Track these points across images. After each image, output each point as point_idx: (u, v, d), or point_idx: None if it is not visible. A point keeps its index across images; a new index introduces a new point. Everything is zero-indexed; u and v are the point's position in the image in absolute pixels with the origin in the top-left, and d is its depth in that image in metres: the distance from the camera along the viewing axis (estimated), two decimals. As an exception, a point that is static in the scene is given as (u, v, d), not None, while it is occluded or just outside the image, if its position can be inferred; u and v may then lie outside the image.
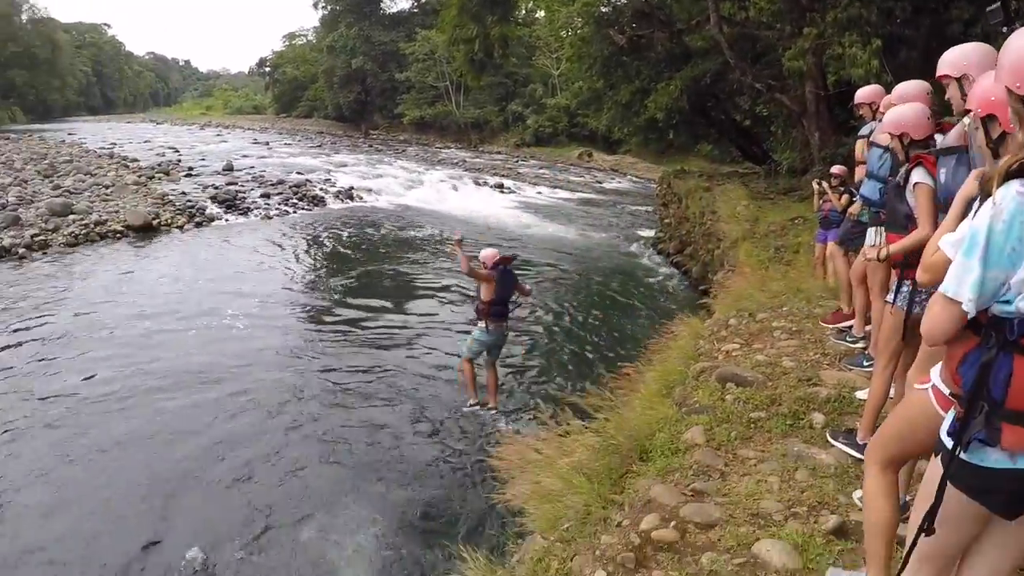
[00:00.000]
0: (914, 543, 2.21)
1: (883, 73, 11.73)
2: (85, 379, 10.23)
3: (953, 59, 3.46)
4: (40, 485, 7.46)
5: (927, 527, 2.11)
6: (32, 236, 18.55)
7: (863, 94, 6.65)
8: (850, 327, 6.48)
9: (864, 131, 6.53)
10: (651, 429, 4.88)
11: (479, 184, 34.50)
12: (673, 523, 3.64)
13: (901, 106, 4.37)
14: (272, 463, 7.89)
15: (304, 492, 7.31)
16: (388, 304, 14.56)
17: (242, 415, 9.13)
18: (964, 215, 2.31)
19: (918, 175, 3.89)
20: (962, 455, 2.01)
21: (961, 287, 1.88)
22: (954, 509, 2.09)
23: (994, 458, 1.98)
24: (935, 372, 2.30)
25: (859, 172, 6.56)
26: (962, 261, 1.89)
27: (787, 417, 4.76)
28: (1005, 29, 2.20)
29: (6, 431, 8.68)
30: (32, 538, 6.57)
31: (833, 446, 4.33)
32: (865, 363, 5.60)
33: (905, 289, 3.79)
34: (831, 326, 6.84)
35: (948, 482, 2.06)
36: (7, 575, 6.11)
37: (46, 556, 6.34)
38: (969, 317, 1.91)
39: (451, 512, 6.91)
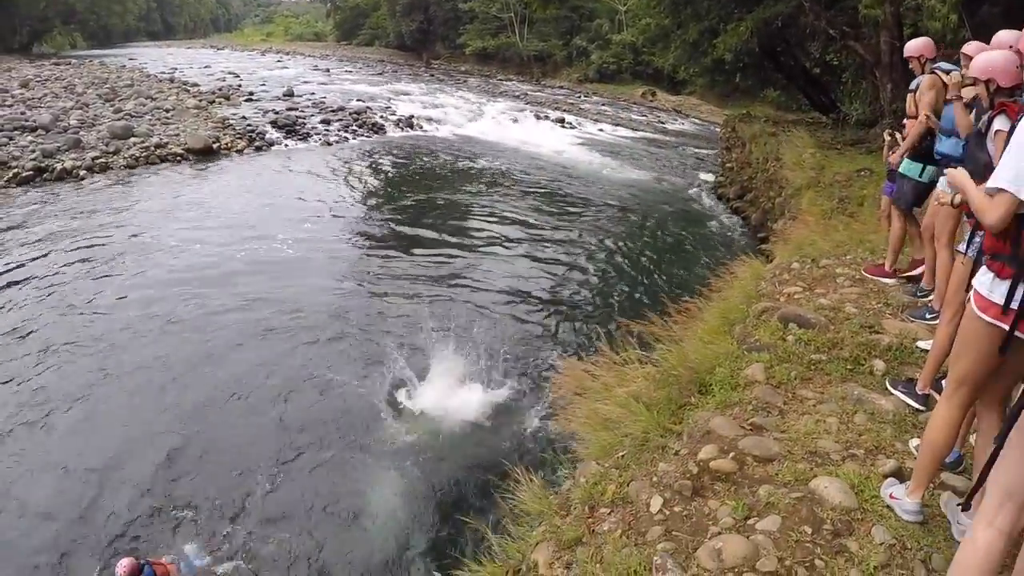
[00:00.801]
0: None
1: (961, 28, 11.34)
2: (136, 297, 10.58)
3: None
4: (79, 401, 7.75)
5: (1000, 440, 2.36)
6: (93, 158, 18.89)
7: (913, 47, 6.64)
8: (908, 279, 6.52)
9: (913, 85, 6.49)
10: (711, 363, 4.90)
11: (540, 118, 34.24)
12: (732, 454, 3.67)
13: (991, 52, 4.25)
14: (311, 388, 8.10)
15: (350, 418, 7.49)
16: (442, 234, 14.65)
17: (285, 340, 9.36)
18: None
19: (1000, 122, 3.73)
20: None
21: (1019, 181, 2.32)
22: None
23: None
24: (975, 281, 2.71)
25: (909, 125, 6.49)
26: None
27: (848, 361, 4.75)
28: None
29: (57, 344, 9.04)
30: (61, 455, 6.82)
31: (892, 394, 4.32)
32: (928, 316, 5.55)
33: (978, 239, 3.72)
34: (869, 276, 6.81)
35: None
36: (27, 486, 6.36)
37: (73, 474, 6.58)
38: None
39: (507, 435, 7.05)
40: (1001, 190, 2.41)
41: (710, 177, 22.63)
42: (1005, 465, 2.32)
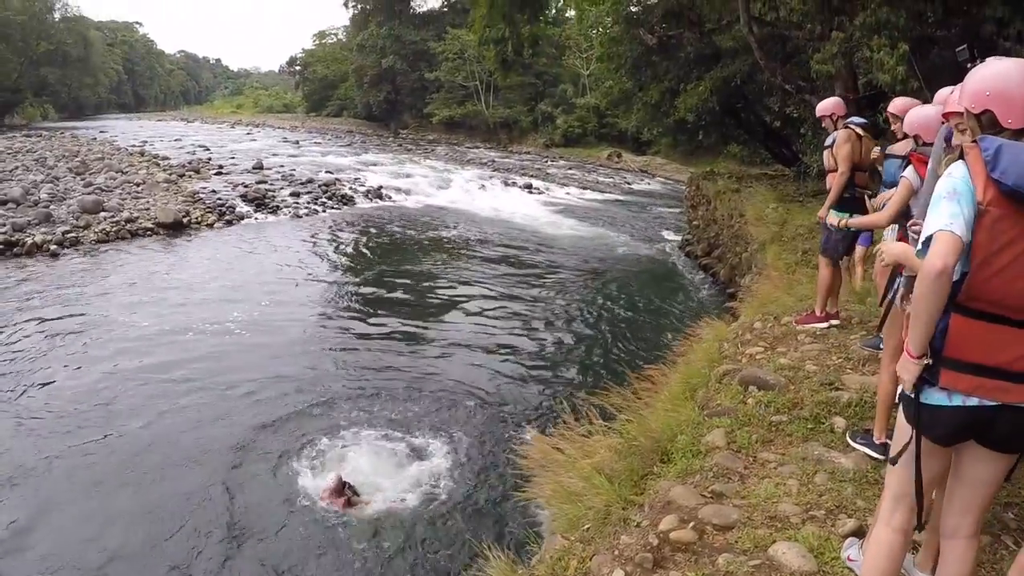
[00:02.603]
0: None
1: (911, 78, 11.61)
2: (109, 372, 10.44)
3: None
4: (62, 474, 7.64)
5: (893, 458, 2.64)
6: (64, 233, 18.83)
7: (824, 106, 7.46)
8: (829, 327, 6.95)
9: (828, 141, 7.07)
10: (673, 431, 4.93)
11: (508, 184, 34.54)
12: (692, 524, 3.69)
13: (922, 107, 4.56)
14: (283, 461, 7.99)
15: (300, 502, 7.35)
16: (414, 305, 14.67)
17: (260, 411, 9.25)
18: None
19: (906, 172, 4.30)
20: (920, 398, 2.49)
21: (954, 221, 2.28)
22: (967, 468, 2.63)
23: (936, 397, 2.45)
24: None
25: (829, 180, 7.03)
26: (947, 204, 2.32)
27: (808, 421, 4.79)
28: (969, 65, 2.68)
29: (28, 419, 8.96)
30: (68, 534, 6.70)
31: (854, 449, 4.37)
32: (881, 345, 5.68)
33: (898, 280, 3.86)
34: (803, 325, 7.10)
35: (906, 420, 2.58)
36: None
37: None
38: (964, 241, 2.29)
39: (474, 509, 6.98)
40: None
41: (677, 236, 22.84)
42: (896, 476, 2.69)
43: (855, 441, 4.44)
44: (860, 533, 3.47)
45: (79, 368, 10.61)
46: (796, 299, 8.62)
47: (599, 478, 4.49)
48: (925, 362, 2.42)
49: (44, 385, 10.03)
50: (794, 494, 3.91)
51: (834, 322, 6.99)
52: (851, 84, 15.32)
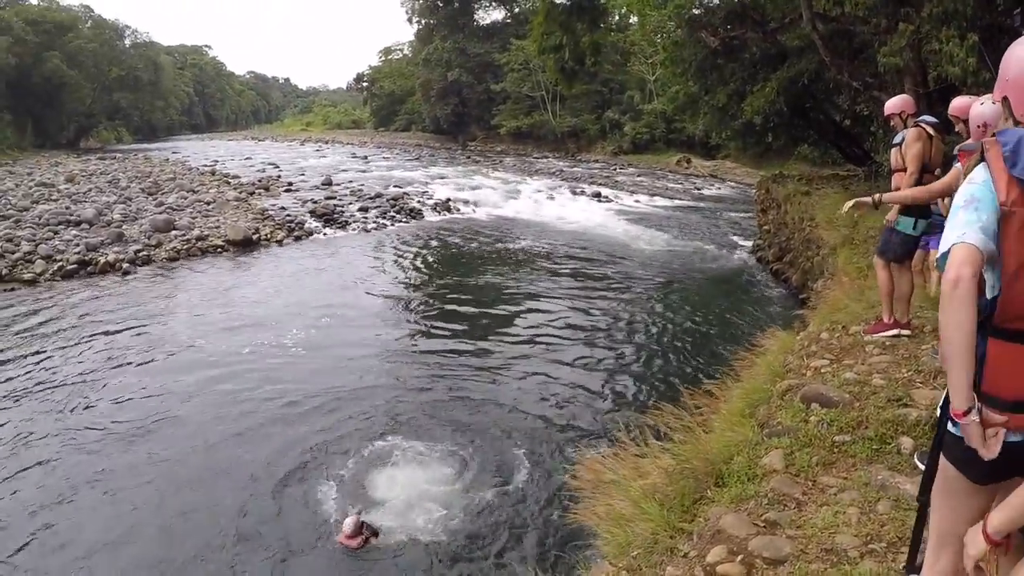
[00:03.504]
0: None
1: (982, 69, 11.15)
2: (165, 389, 10.67)
3: None
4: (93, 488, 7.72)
5: (924, 497, 2.47)
6: (135, 252, 19.32)
7: (892, 104, 6.98)
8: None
9: (897, 139, 6.67)
10: (729, 452, 4.69)
11: (576, 193, 34.40)
12: (740, 557, 3.46)
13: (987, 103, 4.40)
14: (344, 476, 8.02)
15: (382, 503, 7.37)
16: (474, 320, 14.60)
17: (309, 430, 9.30)
18: None
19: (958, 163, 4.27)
20: (949, 426, 2.20)
21: (968, 229, 1.96)
22: (951, 484, 2.28)
23: None
24: None
25: (895, 180, 6.68)
26: (963, 213, 2.01)
27: (873, 441, 4.50)
28: None
29: (83, 432, 9.24)
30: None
31: (919, 470, 4.10)
32: None
33: None
34: (871, 335, 6.78)
35: (941, 453, 2.29)
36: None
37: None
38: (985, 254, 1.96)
39: (522, 531, 6.87)
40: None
41: (749, 241, 22.40)
42: (938, 516, 2.43)
43: (923, 463, 4.17)
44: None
45: (137, 384, 10.85)
46: (866, 306, 8.28)
47: (648, 502, 4.29)
48: (974, 418, 2.01)
49: (102, 400, 10.29)
50: (853, 524, 3.65)
51: (904, 332, 6.64)
52: (920, 78, 14.79)
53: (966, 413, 2.01)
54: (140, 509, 7.46)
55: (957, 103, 6.22)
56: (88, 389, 10.64)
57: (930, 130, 6.53)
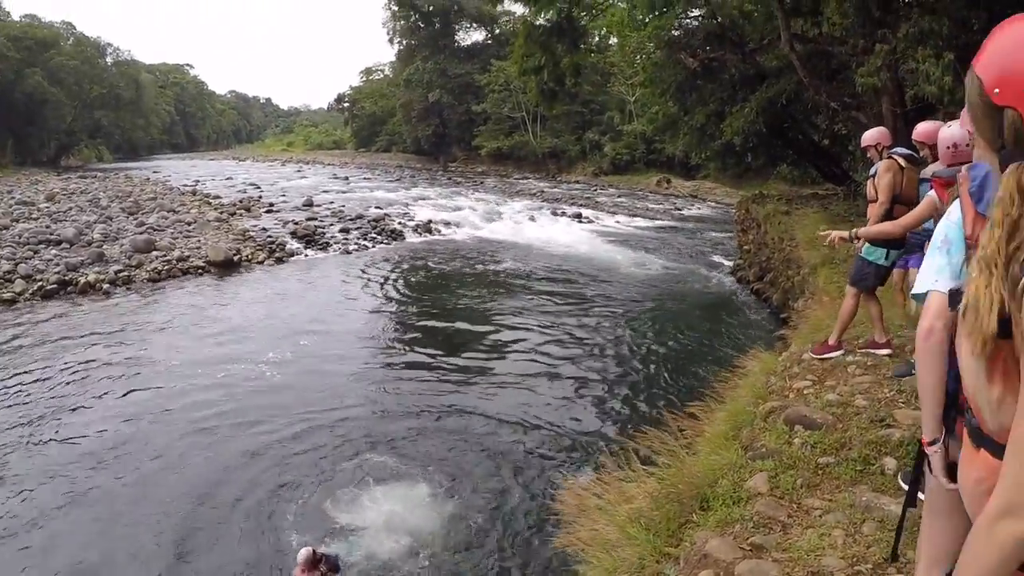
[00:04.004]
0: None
1: (958, 88, 11.28)
2: (141, 411, 10.56)
3: None
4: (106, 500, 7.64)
5: (910, 499, 2.49)
6: (116, 272, 19.19)
7: (869, 136, 7.29)
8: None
9: (872, 171, 6.87)
10: (714, 476, 4.69)
11: (557, 215, 34.49)
12: (728, 582, 3.46)
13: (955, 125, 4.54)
14: (328, 499, 7.93)
15: (358, 529, 7.30)
16: (455, 342, 14.53)
17: (305, 447, 9.27)
18: None
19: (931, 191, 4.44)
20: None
21: (940, 277, 1.94)
22: (939, 498, 2.24)
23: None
24: None
25: (870, 210, 6.82)
26: (937, 256, 1.96)
27: (857, 462, 4.51)
28: None
29: (72, 454, 9.12)
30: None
31: (903, 491, 4.11)
32: (913, 371, 5.54)
33: None
34: (815, 355, 7.02)
35: (927, 470, 2.25)
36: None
37: None
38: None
39: (508, 557, 6.83)
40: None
41: (729, 261, 22.50)
42: (926, 534, 2.39)
43: (907, 483, 4.19)
44: (911, 588, 3.23)
45: (112, 407, 10.76)
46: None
47: (634, 527, 4.28)
48: (937, 449, 2.12)
49: (76, 422, 10.20)
50: (839, 546, 3.66)
51: (884, 351, 6.74)
52: (898, 98, 14.98)
53: (931, 444, 2.15)
54: (107, 534, 7.37)
55: (921, 128, 6.37)
56: (62, 411, 10.54)
57: (902, 161, 6.69)
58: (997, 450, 1.53)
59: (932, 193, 4.37)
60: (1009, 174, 1.48)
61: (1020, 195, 1.44)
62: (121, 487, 8.38)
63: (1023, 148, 1.46)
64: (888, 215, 6.51)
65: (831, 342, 6.99)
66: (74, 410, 10.63)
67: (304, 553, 6.01)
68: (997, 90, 1.48)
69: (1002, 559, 1.42)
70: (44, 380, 11.85)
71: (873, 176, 6.79)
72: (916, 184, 6.54)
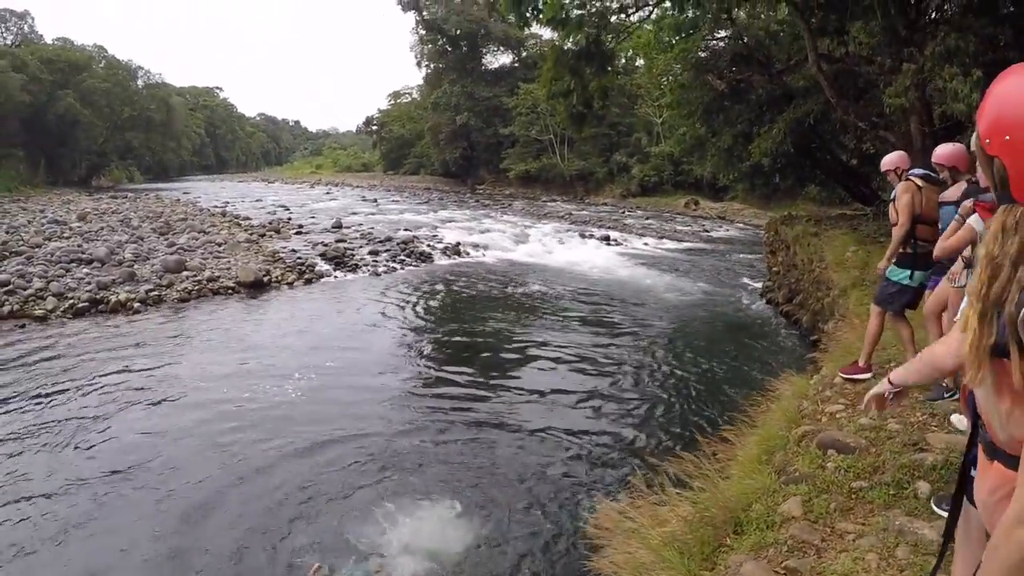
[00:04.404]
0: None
1: (987, 107, 11.27)
2: (162, 430, 10.59)
3: None
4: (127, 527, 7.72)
5: (947, 536, 2.27)
6: (147, 291, 19.39)
7: (888, 161, 7.51)
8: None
9: (892, 195, 6.98)
10: (748, 500, 4.72)
11: (585, 237, 34.45)
12: (763, 606, 3.49)
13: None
14: (349, 519, 7.92)
15: (379, 550, 7.32)
16: (483, 365, 14.50)
17: (327, 466, 9.27)
18: None
19: (971, 218, 4.43)
20: (972, 471, 2.07)
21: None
22: (972, 526, 2.16)
23: None
24: None
25: (893, 233, 6.91)
26: None
27: (890, 487, 4.54)
28: None
29: (95, 471, 9.13)
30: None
31: (938, 516, 4.13)
32: (946, 395, 5.85)
33: None
34: (842, 375, 7.17)
35: (964, 496, 2.17)
36: None
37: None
38: None
39: (543, 580, 6.82)
40: None
41: (758, 283, 22.43)
42: (959, 561, 2.31)
43: (940, 507, 4.21)
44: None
45: (137, 425, 10.79)
46: (878, 348, 8.31)
47: (668, 551, 4.31)
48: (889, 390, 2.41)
49: (101, 439, 10.25)
50: (873, 570, 3.68)
51: (867, 375, 6.97)
52: (926, 117, 14.92)
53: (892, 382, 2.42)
54: (127, 551, 7.39)
55: (941, 151, 6.42)
56: (89, 427, 10.64)
57: (919, 182, 6.73)
58: (1009, 461, 1.65)
59: (975, 217, 4.42)
60: (998, 215, 1.64)
61: (1003, 235, 1.60)
62: (140, 501, 8.42)
63: (1008, 193, 1.61)
64: (911, 237, 6.61)
65: (860, 364, 7.03)
66: (97, 423, 10.75)
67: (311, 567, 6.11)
68: (988, 140, 1.64)
69: (1020, 564, 1.52)
70: (71, 397, 11.97)
71: (893, 199, 6.88)
72: (936, 204, 6.57)
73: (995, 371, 1.63)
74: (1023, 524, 1.51)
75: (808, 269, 16.68)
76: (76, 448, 9.95)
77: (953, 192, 5.98)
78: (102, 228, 30.87)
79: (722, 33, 22.42)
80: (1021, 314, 1.54)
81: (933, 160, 6.46)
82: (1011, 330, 1.56)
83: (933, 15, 14.49)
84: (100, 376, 13.02)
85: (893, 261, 6.81)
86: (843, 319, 11.81)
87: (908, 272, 6.67)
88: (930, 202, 6.67)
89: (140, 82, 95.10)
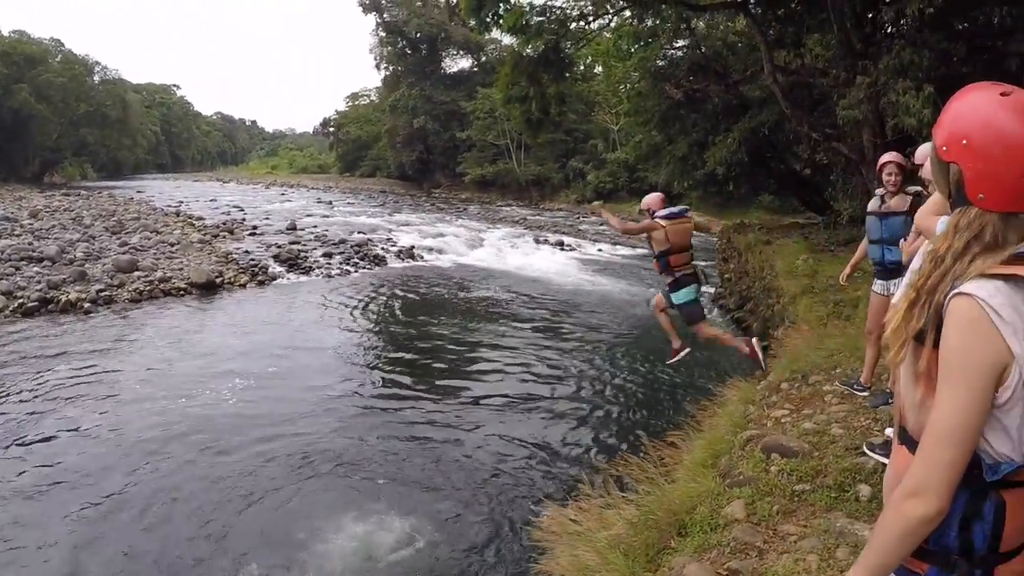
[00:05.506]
0: None
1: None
2: (126, 430, 10.48)
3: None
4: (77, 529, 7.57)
5: None
6: (98, 291, 19.10)
7: (645, 201, 9.33)
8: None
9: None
10: (692, 502, 4.76)
11: (540, 242, 34.50)
12: (704, 607, 3.51)
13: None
14: (305, 524, 7.85)
15: (325, 558, 7.26)
16: (432, 370, 14.47)
17: (272, 473, 9.17)
18: None
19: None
20: None
21: None
22: None
23: None
24: None
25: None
26: None
27: (832, 489, 4.60)
28: None
29: (35, 474, 8.97)
30: None
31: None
32: (891, 399, 5.92)
33: None
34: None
35: None
36: None
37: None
38: None
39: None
40: None
41: (711, 289, 22.60)
42: None
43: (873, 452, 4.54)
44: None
45: (79, 427, 10.59)
46: (825, 354, 8.45)
47: (614, 553, 4.33)
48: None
49: (42, 441, 10.08)
50: (813, 571, 3.72)
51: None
52: (878, 129, 15.16)
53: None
54: (54, 560, 7.27)
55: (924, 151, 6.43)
56: (25, 429, 10.43)
57: (663, 222, 8.78)
58: (913, 447, 1.74)
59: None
60: (951, 218, 1.75)
61: (954, 232, 1.70)
62: (77, 510, 8.21)
63: (963, 196, 1.71)
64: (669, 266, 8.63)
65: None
66: (34, 425, 10.56)
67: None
68: (945, 148, 1.74)
69: (904, 533, 1.63)
70: (16, 398, 11.77)
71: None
72: (688, 234, 8.69)
73: (915, 357, 1.72)
74: (911, 497, 1.61)
75: (759, 276, 16.87)
76: (7, 448, 9.76)
77: (899, 203, 6.08)
78: (54, 226, 30.39)
79: (680, 43, 22.61)
80: (946, 301, 1.63)
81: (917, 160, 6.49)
82: (933, 316, 1.65)
83: (888, 29, 14.71)
84: (44, 377, 12.79)
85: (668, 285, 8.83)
86: (792, 326, 11.94)
87: (691, 288, 8.68)
88: (678, 234, 8.61)
89: (96, 78, 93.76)
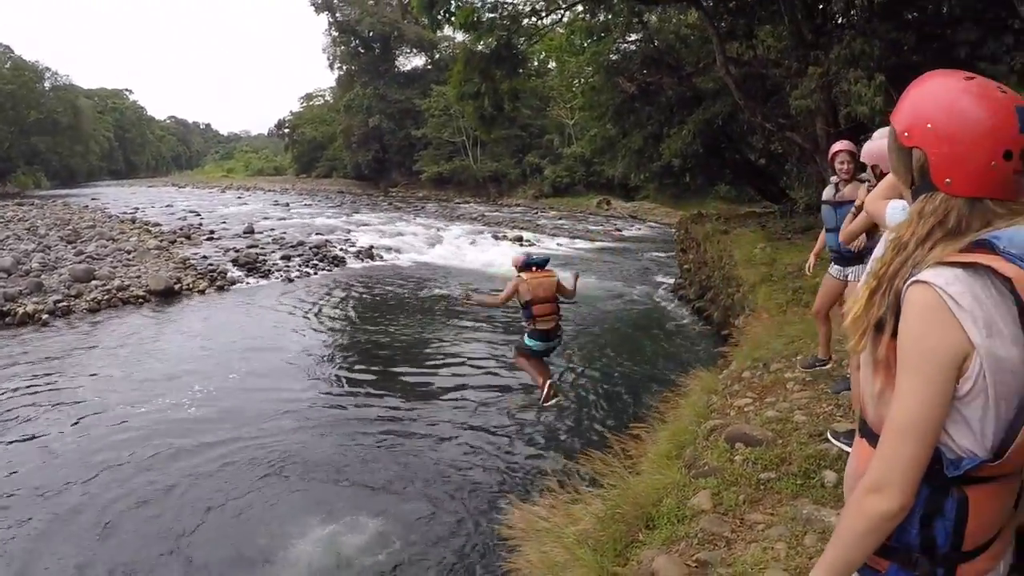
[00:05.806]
0: None
1: (890, 108, 11.58)
2: (87, 441, 10.34)
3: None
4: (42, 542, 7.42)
5: None
6: (55, 302, 18.78)
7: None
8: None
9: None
10: (658, 495, 4.75)
11: (498, 238, 34.53)
12: (675, 599, 3.51)
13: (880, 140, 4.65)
14: (268, 530, 7.79)
15: (292, 562, 7.19)
16: (404, 370, 14.43)
17: (238, 477, 9.11)
18: None
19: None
20: None
21: None
22: None
23: None
24: None
25: None
26: None
27: (797, 477, 4.61)
28: None
29: (5, 490, 8.81)
30: None
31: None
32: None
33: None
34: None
35: None
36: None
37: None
38: None
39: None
40: None
41: (670, 279, 22.74)
42: None
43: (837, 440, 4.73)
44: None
45: (37, 440, 10.49)
46: (786, 341, 8.52)
47: (582, 548, 4.32)
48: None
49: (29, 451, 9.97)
50: (782, 559, 3.73)
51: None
52: (831, 118, 15.30)
53: None
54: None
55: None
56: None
57: (525, 274, 9.07)
58: (873, 439, 1.70)
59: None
60: (916, 205, 1.69)
61: (918, 218, 1.66)
62: (31, 520, 8.09)
63: (928, 182, 1.66)
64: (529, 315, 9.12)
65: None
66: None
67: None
68: (907, 133, 1.69)
69: (867, 530, 1.60)
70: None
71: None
72: (551, 287, 9.06)
73: (875, 346, 1.68)
74: (872, 492, 1.58)
75: (718, 266, 16.97)
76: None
77: (852, 191, 6.11)
78: (7, 237, 29.79)
79: (633, 37, 22.64)
80: (904, 288, 1.59)
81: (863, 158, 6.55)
82: (893, 304, 1.61)
83: (839, 20, 14.88)
84: (0, 390, 12.56)
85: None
86: (752, 314, 12.01)
87: (539, 343, 9.05)
88: (540, 287, 8.96)
89: (47, 84, 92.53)
